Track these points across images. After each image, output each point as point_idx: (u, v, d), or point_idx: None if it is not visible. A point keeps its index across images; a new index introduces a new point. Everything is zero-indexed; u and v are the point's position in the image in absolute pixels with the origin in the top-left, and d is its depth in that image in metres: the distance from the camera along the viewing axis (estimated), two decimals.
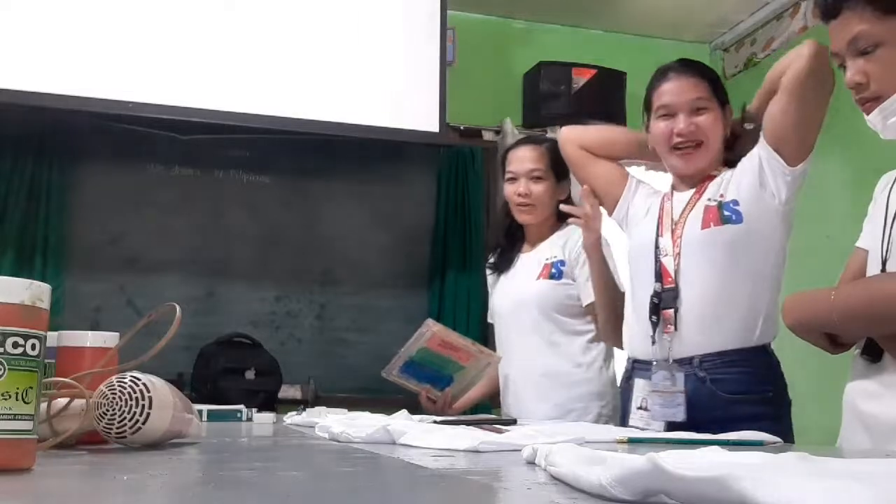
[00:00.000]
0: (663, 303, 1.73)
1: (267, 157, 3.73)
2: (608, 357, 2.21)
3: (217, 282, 3.63)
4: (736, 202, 1.70)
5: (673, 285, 1.72)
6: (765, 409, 1.66)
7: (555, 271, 2.18)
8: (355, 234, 3.78)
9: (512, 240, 2.34)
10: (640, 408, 1.72)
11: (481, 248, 3.91)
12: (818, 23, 4.21)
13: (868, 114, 1.32)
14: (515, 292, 2.24)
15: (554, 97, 3.94)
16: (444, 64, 3.67)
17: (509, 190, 2.27)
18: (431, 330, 2.10)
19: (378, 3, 3.66)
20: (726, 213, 1.70)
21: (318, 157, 3.75)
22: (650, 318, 1.74)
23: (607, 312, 2.05)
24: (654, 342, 1.73)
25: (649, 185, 1.96)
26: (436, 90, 3.63)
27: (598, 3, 4.14)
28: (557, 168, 2.24)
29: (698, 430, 1.49)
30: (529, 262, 2.25)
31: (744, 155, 1.77)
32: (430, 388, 2.21)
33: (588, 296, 2.12)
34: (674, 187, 1.86)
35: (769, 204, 1.68)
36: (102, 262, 3.51)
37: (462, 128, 3.98)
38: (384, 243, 3.79)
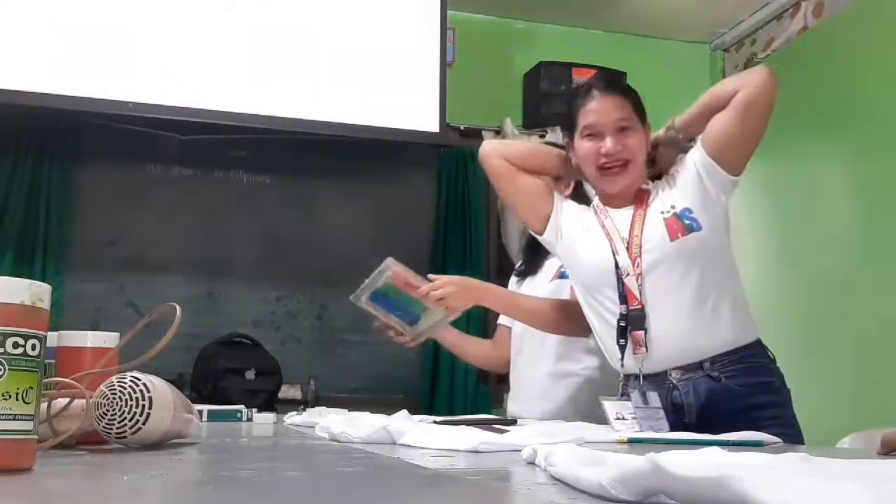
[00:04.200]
0: (632, 325, 1.71)
1: (267, 157, 3.73)
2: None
3: (217, 282, 3.63)
4: (690, 210, 1.71)
5: (640, 307, 1.70)
6: (775, 397, 1.68)
7: (565, 270, 2.18)
8: (355, 234, 3.78)
9: (534, 250, 2.33)
10: (617, 419, 1.70)
11: (481, 248, 3.91)
12: (818, 22, 4.21)
13: None
14: (531, 292, 2.26)
15: (554, 97, 3.93)
16: (444, 64, 3.67)
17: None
18: (392, 269, 2.03)
19: (378, 3, 3.66)
20: (686, 221, 1.70)
21: (318, 157, 3.75)
22: (618, 341, 1.73)
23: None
24: (622, 364, 1.74)
25: (570, 201, 1.93)
26: (436, 90, 3.63)
27: (598, 3, 4.14)
28: None
29: (720, 426, 1.47)
30: (550, 265, 2.26)
31: (665, 168, 1.79)
32: (398, 321, 2.12)
33: None
34: (605, 203, 1.84)
35: (715, 210, 1.71)
36: (102, 262, 3.51)
37: (462, 128, 3.98)
38: (384, 243, 3.77)
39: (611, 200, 1.82)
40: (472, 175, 3.93)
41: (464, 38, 4.00)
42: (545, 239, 1.92)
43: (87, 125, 3.41)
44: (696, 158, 1.72)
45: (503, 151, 1.93)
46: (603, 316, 1.78)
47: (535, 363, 2.23)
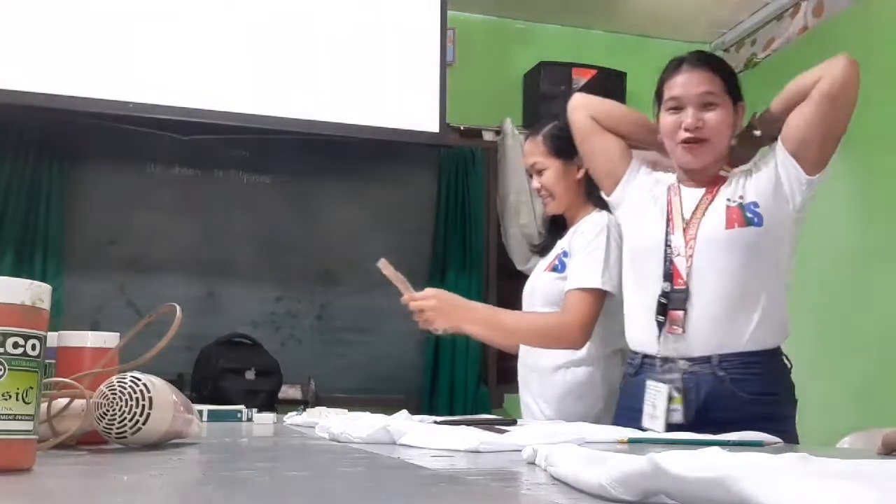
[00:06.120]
0: (672, 304, 1.70)
1: (267, 157, 3.73)
2: (604, 354, 2.18)
3: (217, 282, 3.63)
4: (756, 204, 1.69)
5: (684, 287, 1.69)
6: (775, 409, 1.65)
7: (558, 264, 2.12)
8: (355, 234, 3.78)
9: (554, 228, 2.30)
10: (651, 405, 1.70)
11: (481, 247, 3.91)
12: (818, 22, 4.18)
13: None
14: (531, 281, 2.25)
15: (554, 97, 3.93)
16: (444, 64, 3.67)
17: (532, 186, 2.28)
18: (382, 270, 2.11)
19: (378, 3, 3.66)
20: (749, 214, 1.69)
21: (318, 157, 3.75)
22: (656, 318, 1.71)
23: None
24: (659, 342, 1.71)
25: (654, 172, 1.90)
26: (436, 90, 3.64)
27: (598, 3, 4.14)
28: (560, 151, 2.16)
29: (713, 429, 1.45)
30: (556, 249, 2.20)
31: (742, 159, 1.77)
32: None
33: (569, 284, 2.02)
34: (680, 182, 1.81)
35: (783, 209, 1.69)
36: (102, 262, 3.51)
37: (462, 128, 3.99)
38: (384, 243, 3.78)
39: (686, 180, 1.80)
40: (472, 175, 3.93)
41: (464, 38, 4.00)
42: (610, 200, 1.92)
43: (87, 125, 3.41)
44: (778, 155, 1.70)
45: (593, 109, 1.92)
46: (645, 290, 1.76)
47: (528, 355, 2.21)
